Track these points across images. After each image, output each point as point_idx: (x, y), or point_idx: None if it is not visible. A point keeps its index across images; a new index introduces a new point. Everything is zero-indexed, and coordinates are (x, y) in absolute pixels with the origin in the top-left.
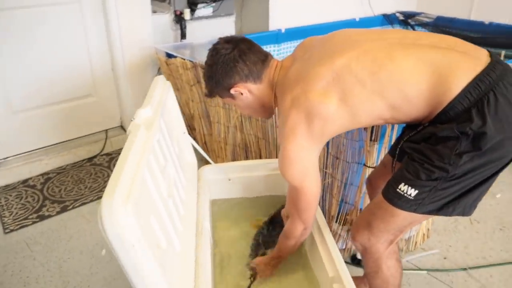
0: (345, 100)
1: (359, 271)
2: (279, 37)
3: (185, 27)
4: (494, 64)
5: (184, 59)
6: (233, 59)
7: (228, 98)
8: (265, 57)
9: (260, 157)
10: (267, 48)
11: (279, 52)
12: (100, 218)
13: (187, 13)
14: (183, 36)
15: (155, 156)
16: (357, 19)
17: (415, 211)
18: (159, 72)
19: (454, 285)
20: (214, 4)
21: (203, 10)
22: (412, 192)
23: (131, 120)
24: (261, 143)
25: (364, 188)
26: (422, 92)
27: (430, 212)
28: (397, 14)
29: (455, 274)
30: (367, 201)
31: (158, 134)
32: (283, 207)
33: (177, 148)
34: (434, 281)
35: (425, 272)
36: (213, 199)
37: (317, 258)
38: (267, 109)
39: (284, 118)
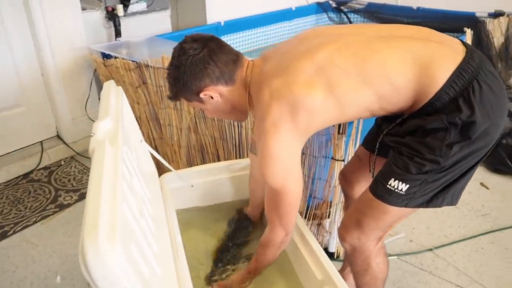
0: (332, 91)
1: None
2: (219, 30)
3: (119, 24)
4: (471, 52)
5: (126, 60)
6: (203, 60)
7: (195, 102)
8: (236, 57)
9: (218, 158)
10: None
11: None
12: (84, 261)
13: (120, 9)
14: (117, 34)
15: (123, 173)
16: (293, 8)
17: (406, 205)
18: (95, 74)
19: (424, 267)
20: None
21: (137, 5)
22: (403, 187)
23: (91, 136)
24: (219, 144)
25: (333, 182)
26: (410, 82)
27: (421, 205)
28: (330, 2)
29: (423, 256)
30: (338, 195)
31: (124, 148)
32: (240, 211)
33: (136, 159)
34: (404, 265)
35: (395, 257)
36: (178, 209)
37: (301, 262)
38: (240, 111)
39: (263, 112)
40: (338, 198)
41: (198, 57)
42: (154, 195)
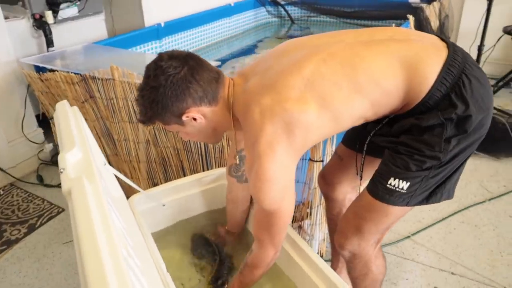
0: (325, 104)
1: None
2: (159, 32)
3: (50, 33)
4: (453, 47)
5: (67, 72)
6: (184, 79)
7: (174, 125)
8: (218, 75)
9: (183, 170)
10: (148, 46)
11: (162, 48)
12: None
13: (49, 16)
14: (49, 43)
15: (110, 213)
16: (232, 4)
17: (407, 204)
18: (29, 90)
19: (406, 255)
20: (78, 3)
21: (68, 10)
22: (404, 185)
23: (60, 173)
24: (183, 155)
25: (312, 184)
26: (400, 84)
27: (421, 203)
28: None
29: (402, 244)
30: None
31: (102, 182)
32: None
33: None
34: (387, 256)
35: None
36: (152, 232)
37: (299, 273)
38: (219, 133)
39: (255, 134)
40: (318, 199)
41: (179, 76)
42: (128, 223)
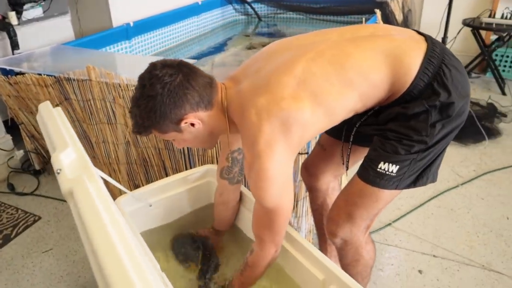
0: (318, 101)
1: None
2: (129, 32)
3: (14, 35)
4: (431, 39)
5: (39, 74)
6: (181, 86)
7: (172, 133)
8: (211, 80)
9: (165, 170)
10: (118, 46)
11: (132, 49)
12: None
13: (12, 17)
14: (15, 46)
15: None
16: (200, 3)
17: (396, 187)
18: None
19: (389, 242)
20: (43, 3)
21: (32, 11)
22: (394, 168)
23: (57, 173)
24: (164, 154)
25: (298, 177)
26: (385, 76)
27: (409, 186)
28: None
29: (385, 232)
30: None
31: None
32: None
33: None
34: None
35: None
36: (141, 232)
37: (297, 265)
38: (214, 137)
39: (253, 135)
40: (303, 192)
41: (176, 83)
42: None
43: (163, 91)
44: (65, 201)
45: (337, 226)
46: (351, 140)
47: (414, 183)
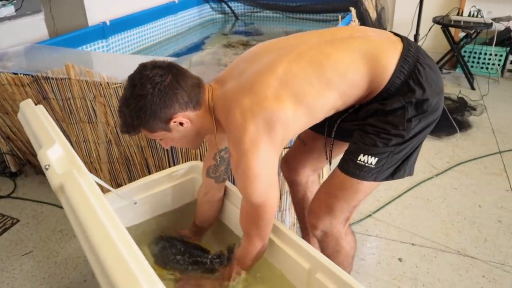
0: (299, 100)
1: None
2: (105, 31)
3: None
4: (407, 40)
5: (13, 73)
6: (171, 86)
7: (161, 132)
8: (199, 80)
9: (148, 168)
10: (94, 45)
11: (109, 48)
12: None
13: None
14: None
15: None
16: (176, 1)
17: (375, 179)
18: None
19: (369, 232)
20: (15, 1)
21: (3, 9)
22: (373, 160)
23: (45, 169)
24: (147, 152)
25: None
26: (364, 75)
27: (387, 178)
28: None
29: (365, 223)
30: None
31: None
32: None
33: None
34: None
35: None
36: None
37: (281, 255)
38: (201, 137)
39: (239, 134)
40: (286, 186)
41: (166, 84)
42: None
43: (154, 91)
44: (44, 202)
45: (317, 218)
46: (333, 136)
47: (392, 176)
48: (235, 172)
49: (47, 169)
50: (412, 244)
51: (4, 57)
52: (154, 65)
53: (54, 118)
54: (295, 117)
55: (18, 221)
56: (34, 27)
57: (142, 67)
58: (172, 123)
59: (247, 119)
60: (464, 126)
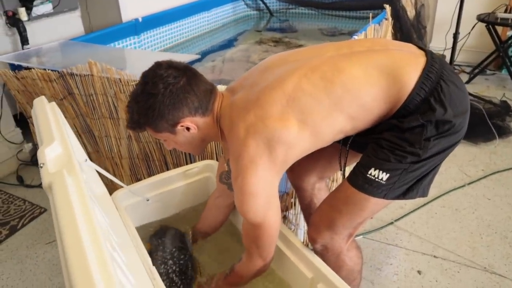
0: (305, 120)
1: None
2: (137, 28)
3: (24, 30)
4: (431, 54)
5: (44, 69)
6: (183, 89)
7: (165, 133)
8: (212, 87)
9: (166, 165)
10: (126, 41)
11: (141, 44)
12: None
13: (22, 13)
14: (24, 41)
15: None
16: None
17: (385, 196)
18: (4, 90)
19: (389, 241)
20: None
21: (42, 7)
22: (384, 176)
23: (40, 167)
24: (166, 149)
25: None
26: (378, 94)
27: (398, 197)
28: None
29: (386, 230)
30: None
31: (83, 176)
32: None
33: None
34: (371, 242)
35: (361, 236)
36: (136, 227)
37: (285, 263)
38: (205, 143)
39: (239, 149)
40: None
41: (179, 86)
42: (112, 219)
43: (165, 91)
44: None
45: (317, 232)
46: (348, 147)
47: (403, 195)
48: (233, 187)
49: (41, 167)
50: (434, 256)
51: (39, 53)
52: (170, 65)
53: (79, 113)
54: (299, 138)
55: (45, 210)
56: (71, 24)
57: (157, 65)
58: (179, 127)
59: (249, 135)
60: (504, 132)
